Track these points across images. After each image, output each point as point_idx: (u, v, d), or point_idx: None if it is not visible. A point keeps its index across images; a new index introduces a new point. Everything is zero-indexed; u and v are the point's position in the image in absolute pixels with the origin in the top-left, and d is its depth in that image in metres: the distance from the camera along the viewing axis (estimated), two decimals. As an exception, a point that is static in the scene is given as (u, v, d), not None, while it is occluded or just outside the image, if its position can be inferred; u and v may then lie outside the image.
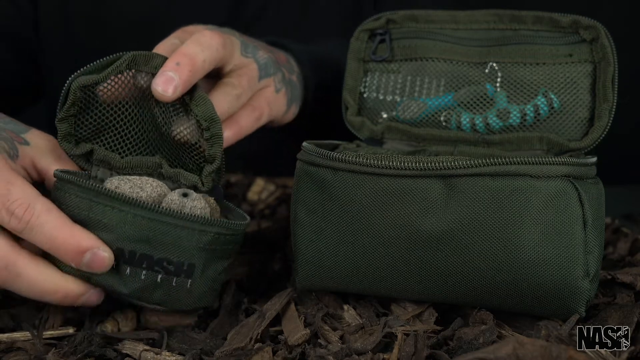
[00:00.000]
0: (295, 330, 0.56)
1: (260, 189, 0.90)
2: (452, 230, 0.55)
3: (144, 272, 0.55)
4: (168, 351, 0.55)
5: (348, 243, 0.57)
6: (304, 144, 0.60)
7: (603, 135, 0.62)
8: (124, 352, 0.55)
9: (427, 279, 0.56)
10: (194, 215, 0.56)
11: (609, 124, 0.62)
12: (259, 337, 0.56)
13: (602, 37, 0.63)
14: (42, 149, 0.61)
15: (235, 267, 0.67)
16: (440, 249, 0.55)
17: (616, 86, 0.62)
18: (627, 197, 0.84)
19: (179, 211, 0.55)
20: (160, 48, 0.64)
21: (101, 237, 0.55)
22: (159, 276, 0.55)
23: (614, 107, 0.62)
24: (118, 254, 0.55)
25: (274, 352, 0.54)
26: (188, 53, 0.60)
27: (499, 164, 0.54)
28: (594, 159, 0.57)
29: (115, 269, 0.55)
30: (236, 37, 0.68)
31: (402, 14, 0.69)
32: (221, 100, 0.64)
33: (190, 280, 0.56)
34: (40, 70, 0.97)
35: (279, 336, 0.57)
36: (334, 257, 0.58)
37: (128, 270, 0.55)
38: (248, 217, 0.60)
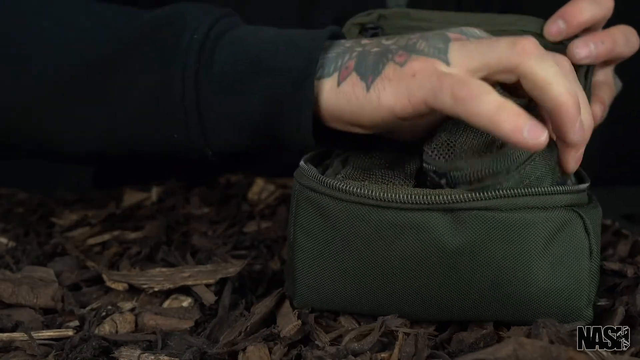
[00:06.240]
0: (287, 323, 0.55)
1: (260, 189, 0.90)
2: (459, 263, 0.54)
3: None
4: (166, 355, 0.55)
5: (351, 272, 0.56)
6: (301, 163, 0.58)
7: None
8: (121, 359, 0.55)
9: (432, 308, 0.56)
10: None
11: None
12: (247, 329, 0.55)
13: None
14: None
15: (233, 268, 0.67)
16: (447, 280, 0.54)
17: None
18: (627, 197, 0.84)
19: None
20: None
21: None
22: None
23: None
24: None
25: (270, 351, 0.54)
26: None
27: (505, 197, 0.53)
28: (587, 185, 0.56)
29: None
30: None
31: (395, 10, 0.69)
32: None
33: None
34: None
35: (273, 329, 0.56)
36: (334, 283, 0.56)
37: None
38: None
